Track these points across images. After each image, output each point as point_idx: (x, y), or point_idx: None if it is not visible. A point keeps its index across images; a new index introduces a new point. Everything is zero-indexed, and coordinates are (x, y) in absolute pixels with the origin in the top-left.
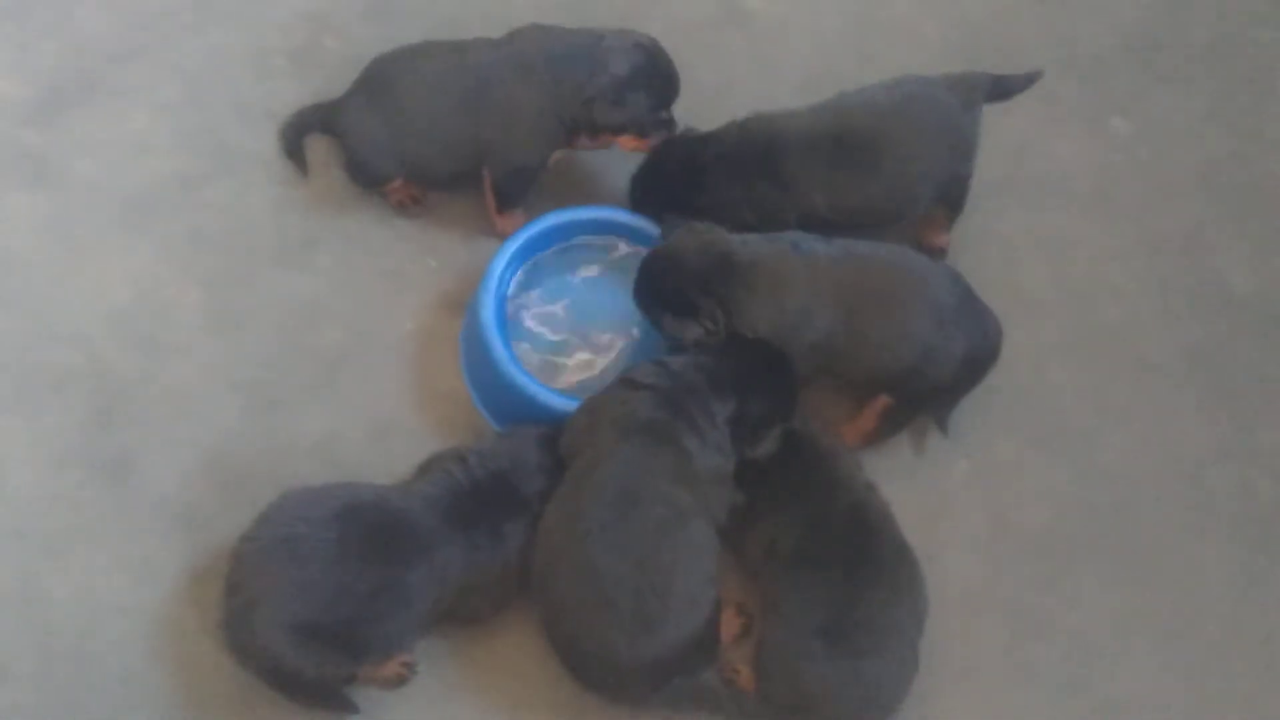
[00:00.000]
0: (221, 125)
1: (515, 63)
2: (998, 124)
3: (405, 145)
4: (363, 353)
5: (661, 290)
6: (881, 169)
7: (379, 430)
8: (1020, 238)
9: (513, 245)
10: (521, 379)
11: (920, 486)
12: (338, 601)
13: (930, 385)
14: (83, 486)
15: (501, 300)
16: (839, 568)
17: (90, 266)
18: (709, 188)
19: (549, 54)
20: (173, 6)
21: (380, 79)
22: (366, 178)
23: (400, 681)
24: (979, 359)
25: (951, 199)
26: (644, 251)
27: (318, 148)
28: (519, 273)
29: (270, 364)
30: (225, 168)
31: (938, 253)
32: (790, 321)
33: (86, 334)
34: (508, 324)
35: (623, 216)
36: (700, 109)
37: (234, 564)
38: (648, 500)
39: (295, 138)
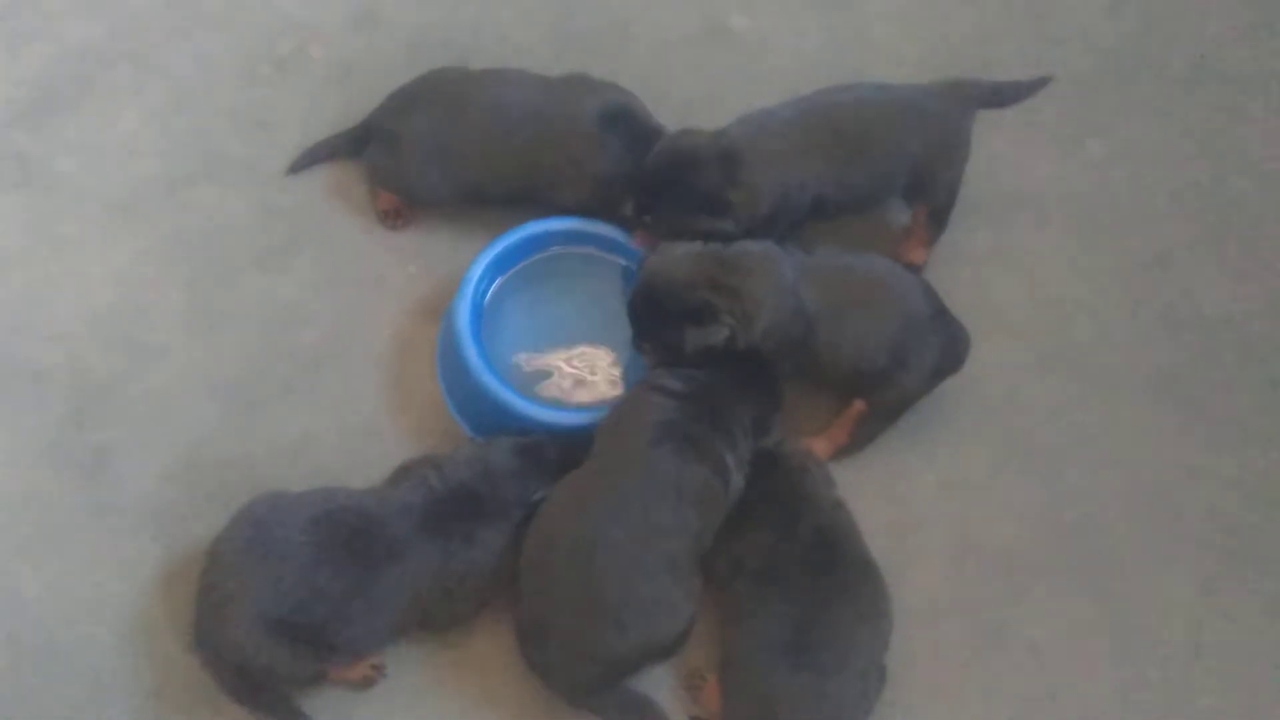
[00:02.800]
0: (207, 130)
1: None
2: (976, 146)
3: (466, 166)
4: (341, 357)
5: (672, 304)
6: (869, 161)
7: (355, 433)
8: (994, 256)
9: (489, 255)
10: (495, 386)
11: (889, 500)
12: (310, 602)
13: (902, 391)
14: (58, 484)
15: (478, 308)
16: (804, 586)
17: (73, 266)
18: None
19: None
20: (161, 13)
21: (449, 98)
22: (419, 195)
23: (369, 683)
24: (947, 369)
25: (931, 200)
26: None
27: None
28: (495, 282)
29: (249, 366)
30: (210, 172)
31: (914, 268)
32: (784, 315)
33: (67, 333)
34: (488, 330)
35: (598, 228)
36: (684, 123)
37: (209, 563)
38: (660, 510)
39: (313, 161)
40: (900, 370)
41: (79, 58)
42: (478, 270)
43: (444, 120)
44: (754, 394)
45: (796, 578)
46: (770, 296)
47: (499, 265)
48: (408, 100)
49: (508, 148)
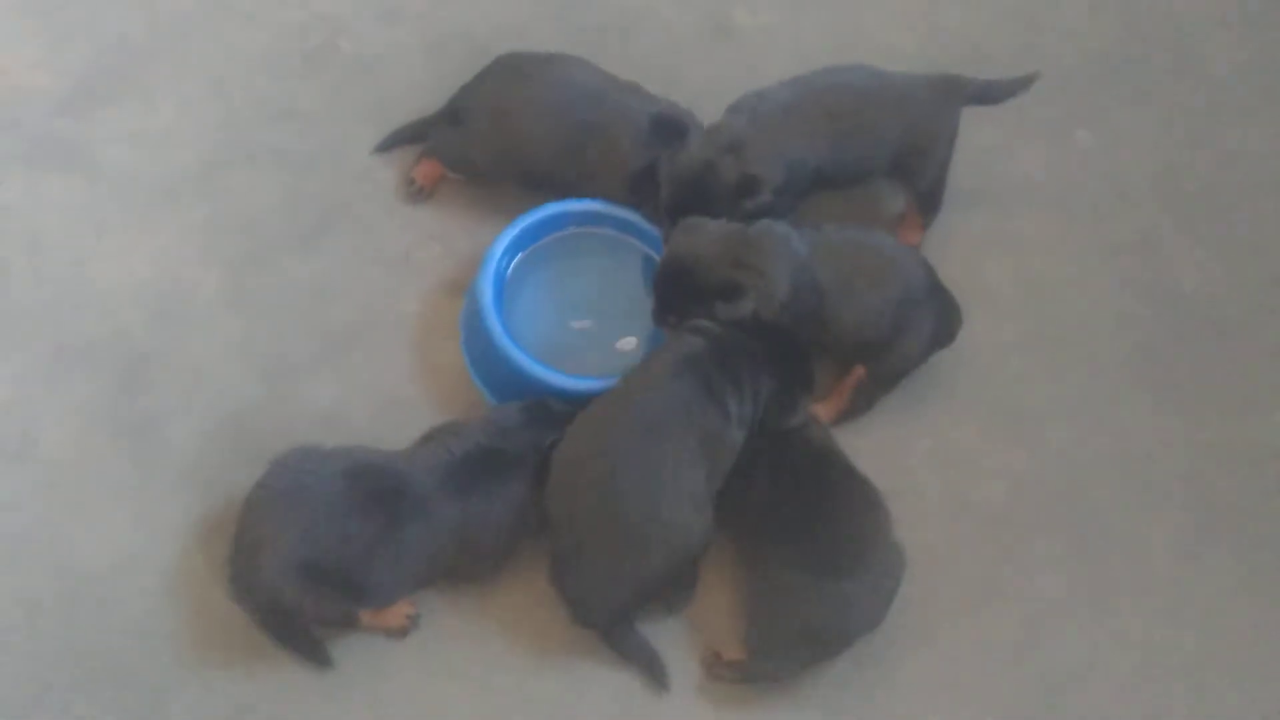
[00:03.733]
0: (241, 120)
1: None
2: (969, 136)
3: (520, 143)
4: (370, 331)
5: (699, 280)
6: (851, 133)
7: (383, 402)
8: (987, 239)
9: (510, 233)
10: (518, 356)
11: (886, 465)
12: (339, 547)
13: (901, 358)
14: (107, 448)
15: (500, 283)
16: (804, 502)
17: (118, 247)
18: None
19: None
20: (197, 8)
21: (514, 77)
22: (478, 170)
23: (403, 631)
24: (942, 340)
25: (915, 183)
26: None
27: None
28: (516, 259)
29: (283, 339)
30: (244, 158)
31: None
32: (800, 289)
33: (114, 308)
34: (509, 304)
35: (612, 209)
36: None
37: (245, 509)
38: (676, 436)
39: (398, 142)
40: (900, 338)
41: (120, 51)
42: (500, 247)
43: (505, 97)
44: (783, 370)
45: (796, 499)
46: (788, 273)
47: (520, 243)
48: (478, 79)
49: (559, 129)
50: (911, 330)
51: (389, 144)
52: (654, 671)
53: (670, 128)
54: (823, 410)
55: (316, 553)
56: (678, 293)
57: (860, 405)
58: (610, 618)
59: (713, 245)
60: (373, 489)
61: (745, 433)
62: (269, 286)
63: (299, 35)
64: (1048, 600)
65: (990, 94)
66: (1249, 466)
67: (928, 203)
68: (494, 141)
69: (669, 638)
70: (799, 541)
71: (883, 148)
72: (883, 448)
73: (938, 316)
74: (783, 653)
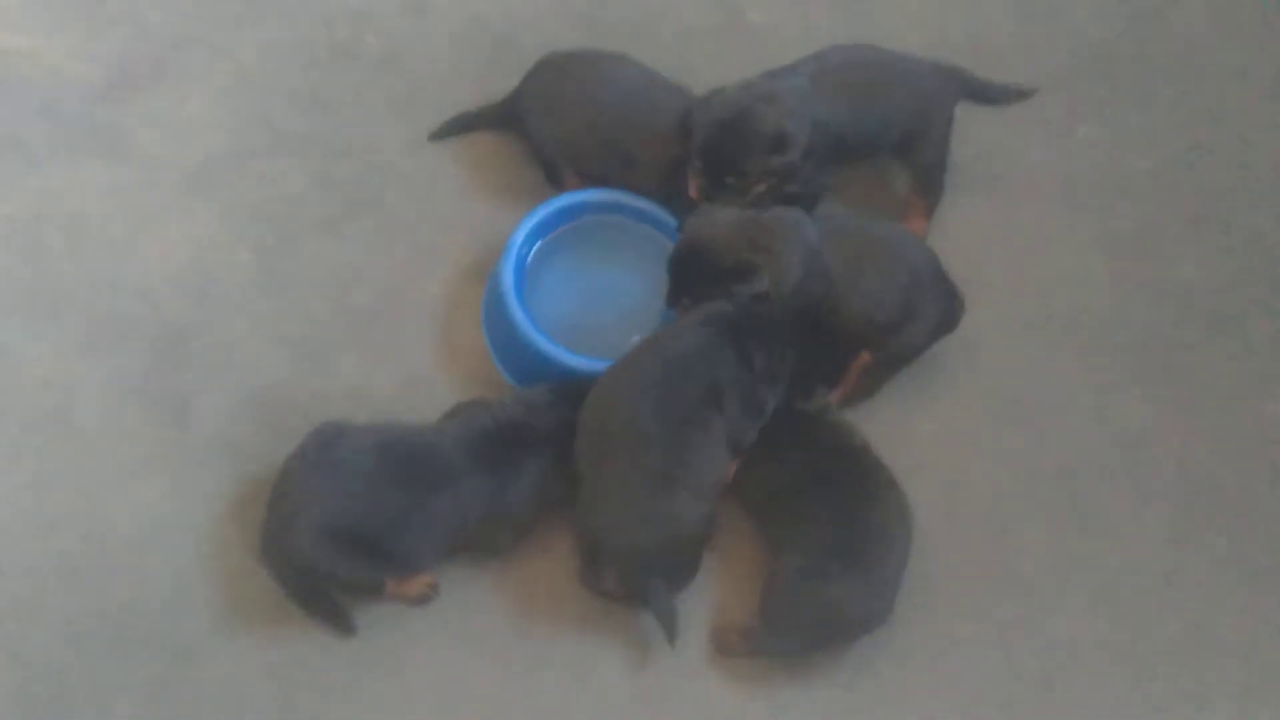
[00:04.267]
0: (272, 108)
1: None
2: (974, 130)
3: (570, 130)
4: (394, 313)
5: (714, 261)
6: (865, 105)
7: (407, 381)
8: (990, 231)
9: (532, 220)
10: (537, 338)
11: (889, 447)
12: (371, 514)
13: (906, 343)
14: (144, 422)
15: (521, 268)
16: (836, 494)
17: (154, 230)
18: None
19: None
20: (226, 1)
21: (568, 71)
22: (547, 169)
23: (425, 600)
24: (945, 326)
25: (915, 162)
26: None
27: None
28: (536, 245)
29: (312, 320)
30: (275, 146)
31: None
32: (812, 273)
33: (150, 289)
34: (529, 288)
35: (629, 199)
36: None
37: (281, 477)
38: (697, 378)
39: (452, 132)
40: (907, 323)
41: (155, 41)
42: (522, 234)
43: (554, 95)
44: (810, 350)
45: (828, 488)
46: (800, 256)
47: (540, 230)
48: (527, 80)
49: (602, 123)
50: (917, 316)
51: (444, 133)
52: (667, 624)
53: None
54: (832, 394)
55: (349, 520)
56: (692, 274)
57: (866, 388)
58: (627, 559)
59: (727, 228)
60: (404, 459)
61: (776, 393)
62: (298, 268)
63: (327, 27)
64: (1042, 582)
65: (986, 93)
66: (1241, 454)
67: (930, 187)
68: (549, 136)
69: (682, 609)
70: (826, 529)
71: (893, 122)
72: (886, 431)
73: (942, 303)
74: (795, 633)
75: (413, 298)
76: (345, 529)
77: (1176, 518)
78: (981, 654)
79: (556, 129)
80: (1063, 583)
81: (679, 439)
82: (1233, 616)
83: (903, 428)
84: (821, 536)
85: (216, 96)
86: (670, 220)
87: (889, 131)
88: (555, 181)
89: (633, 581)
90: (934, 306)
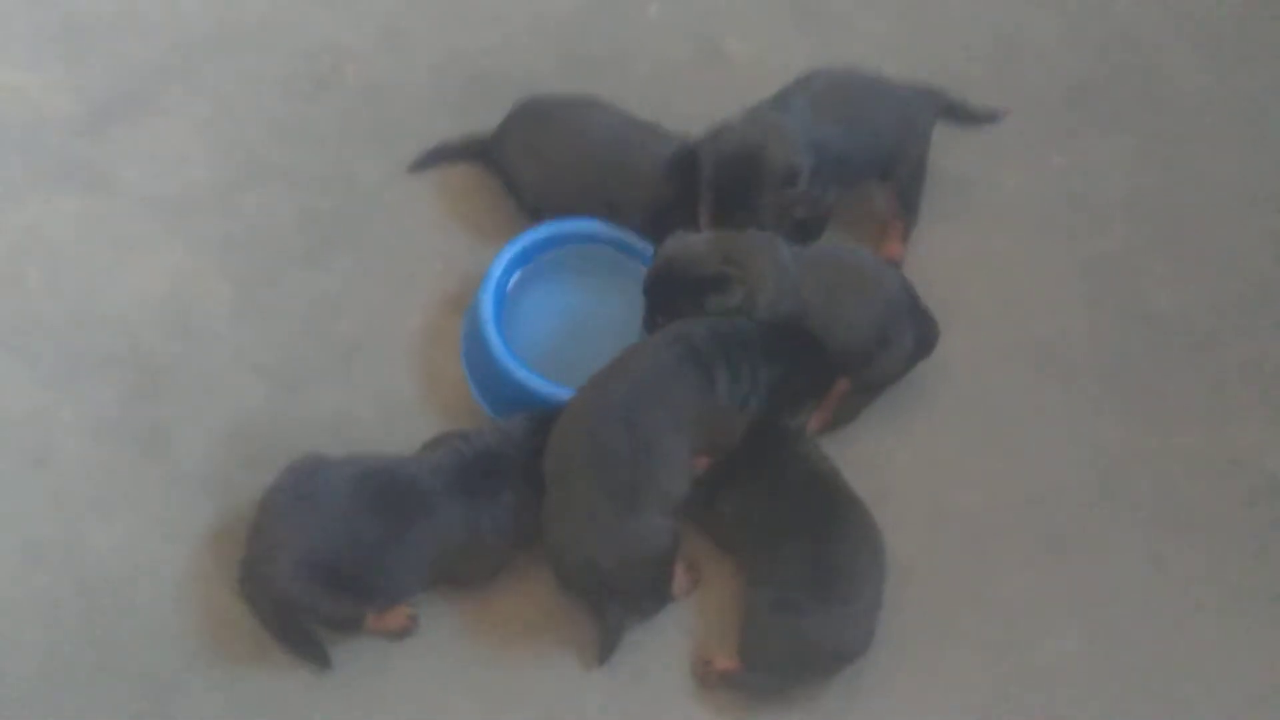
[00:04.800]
0: (252, 141)
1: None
2: (950, 159)
3: (552, 175)
4: (374, 344)
5: (690, 277)
6: (853, 123)
7: (386, 412)
8: (966, 258)
9: (511, 250)
10: (516, 369)
11: (868, 473)
12: (350, 548)
13: (882, 369)
14: (121, 456)
15: (500, 299)
16: (809, 526)
17: (133, 262)
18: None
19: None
20: (208, 33)
21: (549, 116)
22: (526, 208)
23: (405, 632)
24: (921, 353)
25: (897, 180)
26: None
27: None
28: (516, 275)
29: (291, 352)
30: (255, 178)
31: (893, 263)
32: (784, 292)
33: (128, 321)
34: (509, 319)
35: (609, 229)
36: None
37: (260, 511)
38: (661, 398)
39: (431, 163)
40: (882, 350)
41: (134, 74)
42: (501, 264)
43: (533, 140)
44: (796, 365)
45: (800, 521)
46: (773, 273)
47: (520, 260)
48: (505, 125)
49: (583, 168)
50: (892, 343)
51: (423, 164)
52: (606, 643)
53: (687, 163)
54: (810, 421)
55: (328, 554)
56: (667, 291)
57: (845, 415)
58: (583, 575)
59: (701, 245)
60: (382, 491)
61: (745, 413)
62: (278, 301)
63: (308, 61)
64: (1022, 605)
65: (962, 113)
66: (1217, 477)
67: (908, 207)
68: (530, 182)
69: (661, 641)
70: (795, 563)
71: (880, 142)
72: (864, 458)
73: (917, 330)
74: (774, 669)
75: (392, 329)
76: (325, 563)
77: (1155, 543)
78: (962, 680)
79: (537, 175)
80: (1042, 608)
81: (644, 457)
82: (1212, 639)
83: (879, 454)
84: (792, 570)
85: (196, 129)
86: (649, 249)
87: (879, 150)
88: (535, 220)
89: (589, 598)
90: (909, 333)
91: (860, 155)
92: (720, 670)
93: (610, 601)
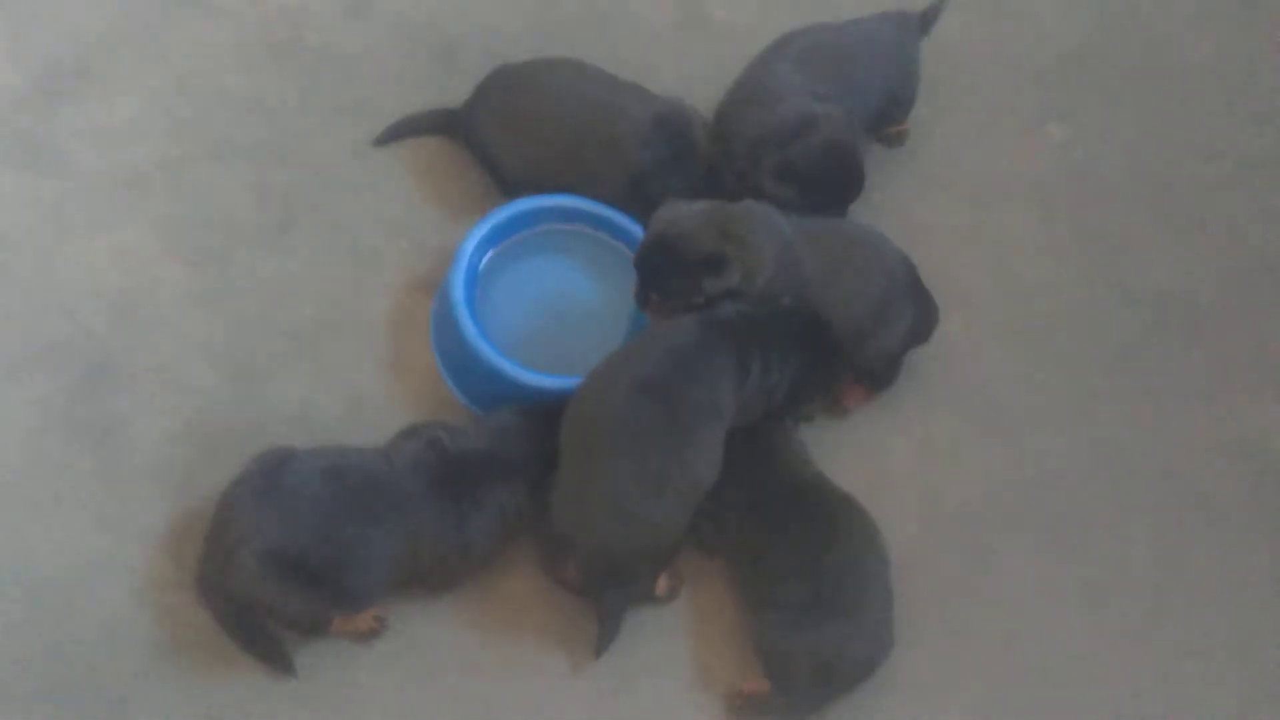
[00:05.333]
0: (206, 114)
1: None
2: (942, 131)
3: (526, 144)
4: (338, 328)
5: (685, 253)
6: (848, 80)
7: (352, 401)
8: (961, 234)
9: (482, 229)
10: (490, 354)
11: (862, 463)
12: (320, 544)
13: (878, 351)
14: (70, 450)
15: (472, 280)
16: (802, 543)
17: (81, 245)
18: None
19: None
20: (158, 2)
21: (521, 80)
22: (498, 172)
23: (373, 634)
24: (921, 334)
25: (900, 116)
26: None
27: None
28: (488, 255)
29: (250, 338)
30: (209, 154)
31: (900, 137)
32: (785, 267)
33: (75, 307)
34: (481, 301)
35: (589, 205)
36: None
37: (221, 506)
38: (698, 379)
39: (398, 135)
40: (880, 327)
41: (83, 46)
42: (471, 244)
43: (507, 109)
44: (811, 360)
45: (794, 536)
46: (773, 247)
47: (492, 239)
48: (477, 94)
49: (561, 135)
50: (891, 320)
51: (389, 137)
52: (606, 634)
53: (672, 128)
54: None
55: (296, 550)
56: (661, 268)
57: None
58: (593, 559)
59: (696, 219)
60: (355, 487)
61: (768, 403)
62: (235, 284)
63: (264, 28)
64: (1023, 595)
65: (926, 22)
66: (1226, 461)
67: (907, 110)
68: (504, 153)
69: (647, 647)
70: (802, 580)
71: (875, 89)
72: (860, 446)
73: (916, 311)
74: (805, 687)
75: (358, 312)
76: (292, 559)
77: (1162, 530)
78: (962, 674)
79: (510, 146)
80: (1043, 601)
81: (679, 439)
82: (1221, 629)
83: (875, 443)
84: (797, 587)
85: (148, 102)
86: (632, 226)
87: (873, 100)
88: (512, 196)
89: (593, 583)
90: (908, 312)
91: (859, 108)
92: (749, 693)
93: (613, 591)
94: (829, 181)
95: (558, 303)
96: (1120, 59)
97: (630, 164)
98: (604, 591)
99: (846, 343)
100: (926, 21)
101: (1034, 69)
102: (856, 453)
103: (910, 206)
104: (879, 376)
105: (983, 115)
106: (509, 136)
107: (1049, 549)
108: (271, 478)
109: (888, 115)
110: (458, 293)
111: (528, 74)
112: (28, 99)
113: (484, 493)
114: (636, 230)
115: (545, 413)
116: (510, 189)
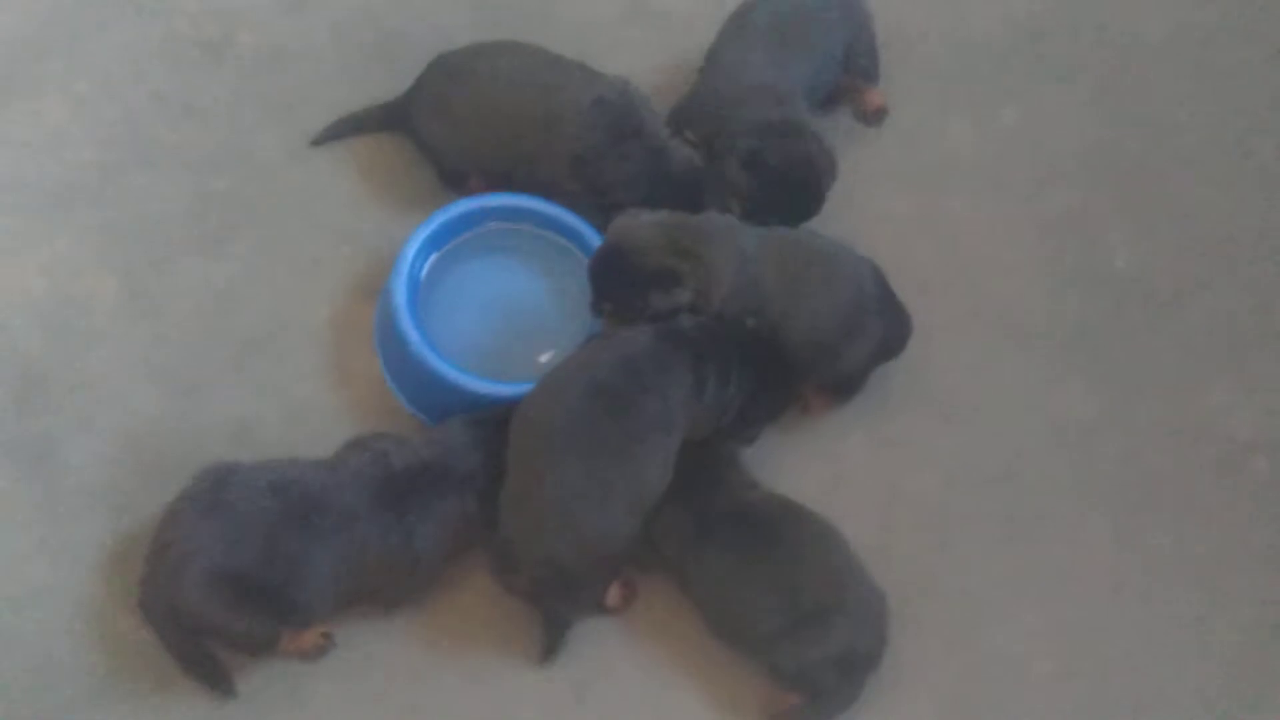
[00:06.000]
0: (137, 117)
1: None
2: (895, 115)
3: (465, 130)
4: (279, 338)
5: (637, 267)
6: (814, 48)
7: (296, 413)
8: (913, 219)
9: (424, 232)
10: (434, 360)
11: (818, 457)
12: (265, 563)
13: (844, 366)
14: (2, 472)
15: (414, 285)
16: (765, 567)
17: (8, 258)
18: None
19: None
20: (85, 3)
21: (458, 65)
22: (439, 162)
23: (321, 652)
24: (891, 348)
25: (865, 69)
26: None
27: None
28: (431, 259)
29: (188, 350)
30: (142, 159)
31: (879, 112)
32: (743, 284)
33: (3, 323)
34: (424, 306)
35: (535, 203)
36: None
37: (164, 523)
38: (652, 390)
39: (337, 135)
40: (848, 342)
41: (7, 50)
42: (414, 246)
43: (445, 97)
44: (764, 384)
45: (754, 567)
46: (731, 265)
47: (435, 241)
48: (416, 85)
49: (498, 121)
50: (859, 335)
51: (328, 136)
52: (549, 644)
53: (614, 109)
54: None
55: (242, 567)
56: (612, 279)
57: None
58: (540, 568)
59: (650, 231)
60: (300, 502)
61: (712, 421)
62: (171, 294)
63: (195, 27)
64: (983, 590)
65: None
66: (1185, 446)
67: (873, 70)
68: (443, 139)
69: (601, 655)
70: (781, 600)
71: (837, 45)
72: (816, 440)
73: (887, 323)
74: (833, 691)
75: (298, 321)
76: (237, 577)
77: (1121, 517)
78: (922, 669)
79: (450, 135)
80: (1002, 594)
81: (628, 448)
82: (1181, 623)
83: (831, 436)
84: (767, 610)
85: (76, 108)
86: (581, 226)
87: (841, 57)
88: (455, 187)
89: (540, 592)
90: (878, 326)
91: (828, 73)
92: (783, 712)
93: (559, 599)
94: (790, 191)
95: (505, 305)
96: (1074, 39)
97: (570, 145)
98: (550, 600)
99: (813, 358)
100: None
101: (986, 50)
102: (812, 447)
103: (864, 192)
104: (844, 389)
105: (935, 99)
106: (448, 124)
107: (1007, 542)
108: (214, 494)
109: (855, 73)
110: (400, 298)
111: (466, 59)
112: None
113: (431, 505)
114: (584, 228)
115: (494, 421)
116: (451, 179)
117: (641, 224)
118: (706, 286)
